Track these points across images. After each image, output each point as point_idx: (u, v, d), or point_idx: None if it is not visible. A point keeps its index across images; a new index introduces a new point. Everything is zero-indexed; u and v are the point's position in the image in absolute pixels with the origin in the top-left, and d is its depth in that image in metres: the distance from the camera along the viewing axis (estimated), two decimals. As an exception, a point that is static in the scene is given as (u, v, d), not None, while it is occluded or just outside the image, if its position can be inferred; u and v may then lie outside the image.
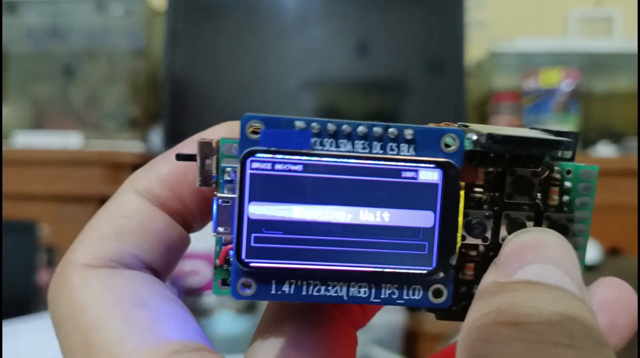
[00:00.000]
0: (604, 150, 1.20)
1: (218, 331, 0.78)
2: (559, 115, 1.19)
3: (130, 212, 0.19)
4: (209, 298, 0.84)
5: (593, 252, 0.90)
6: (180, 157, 0.18)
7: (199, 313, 0.82)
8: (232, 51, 1.25)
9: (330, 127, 0.17)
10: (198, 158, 0.18)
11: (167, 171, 0.19)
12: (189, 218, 0.20)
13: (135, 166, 1.16)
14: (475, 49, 1.30)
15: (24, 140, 1.22)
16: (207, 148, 0.18)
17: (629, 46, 1.27)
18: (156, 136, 1.27)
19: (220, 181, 0.18)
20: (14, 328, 0.76)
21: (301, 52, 1.23)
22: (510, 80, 1.25)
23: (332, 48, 1.24)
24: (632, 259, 0.96)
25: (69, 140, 1.21)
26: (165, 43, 1.24)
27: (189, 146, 0.19)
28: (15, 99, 1.27)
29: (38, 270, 0.97)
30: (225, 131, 0.19)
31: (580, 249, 0.19)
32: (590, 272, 0.87)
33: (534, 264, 0.15)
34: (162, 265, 0.19)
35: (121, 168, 1.18)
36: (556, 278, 0.15)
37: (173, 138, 1.22)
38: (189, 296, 0.84)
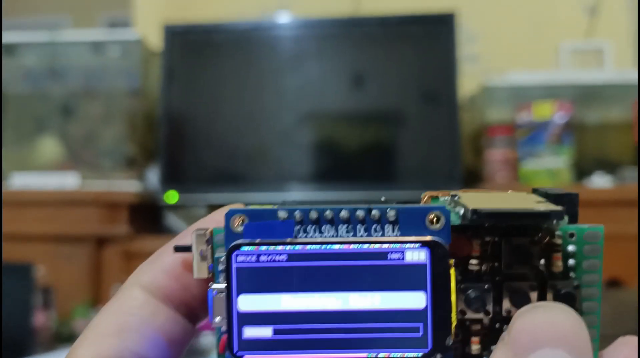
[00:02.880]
0: (600, 181, 1.20)
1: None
2: (553, 147, 1.20)
3: (133, 308, 0.19)
4: (206, 339, 0.83)
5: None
6: (178, 249, 0.19)
7: (196, 353, 0.81)
8: (228, 88, 1.26)
9: (313, 214, 0.17)
10: (194, 250, 0.18)
11: (171, 261, 0.19)
12: (196, 306, 0.20)
13: (131, 206, 1.15)
14: (468, 83, 1.32)
15: (20, 181, 1.22)
16: (201, 239, 0.18)
17: (620, 76, 1.28)
18: (153, 175, 1.27)
19: (216, 271, 0.18)
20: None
21: (297, 87, 1.25)
22: (503, 113, 1.26)
23: (328, 82, 1.25)
24: (633, 290, 0.96)
25: (66, 180, 1.21)
26: (161, 82, 1.25)
27: (188, 235, 0.19)
28: (13, 140, 1.28)
29: (34, 311, 0.96)
30: (224, 215, 0.20)
31: (593, 314, 0.18)
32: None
33: (544, 349, 0.15)
34: None
35: (118, 208, 1.18)
36: None
37: (170, 176, 1.22)
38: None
